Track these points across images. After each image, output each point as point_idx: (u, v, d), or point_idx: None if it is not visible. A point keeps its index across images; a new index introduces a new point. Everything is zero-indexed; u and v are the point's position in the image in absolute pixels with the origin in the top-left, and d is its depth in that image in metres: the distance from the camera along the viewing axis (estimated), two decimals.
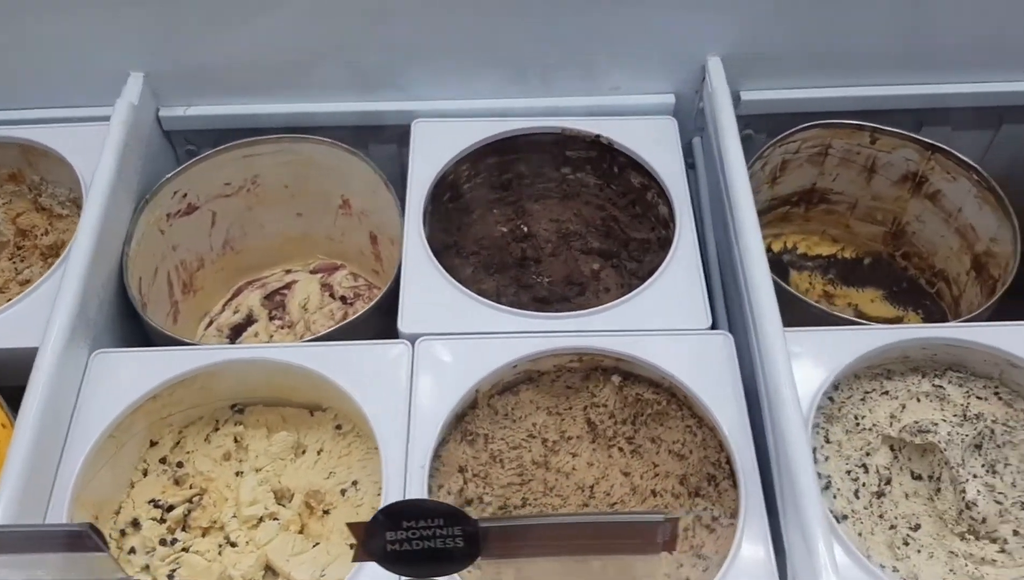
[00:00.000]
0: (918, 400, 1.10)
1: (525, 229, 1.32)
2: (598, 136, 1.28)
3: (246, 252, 1.46)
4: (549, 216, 1.33)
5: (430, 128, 1.30)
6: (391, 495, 0.96)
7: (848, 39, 1.28)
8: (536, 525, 0.58)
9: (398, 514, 0.56)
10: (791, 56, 1.30)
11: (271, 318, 1.45)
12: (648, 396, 1.09)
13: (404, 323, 1.09)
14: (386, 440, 1.00)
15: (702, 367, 1.05)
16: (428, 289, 1.12)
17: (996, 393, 1.10)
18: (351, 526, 0.57)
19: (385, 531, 0.56)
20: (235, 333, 1.44)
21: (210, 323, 1.46)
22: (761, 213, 1.41)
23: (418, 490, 0.96)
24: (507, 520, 0.64)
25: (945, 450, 1.03)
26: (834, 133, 1.33)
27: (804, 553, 0.86)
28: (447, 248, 1.29)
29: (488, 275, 1.26)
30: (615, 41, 1.28)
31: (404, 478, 0.97)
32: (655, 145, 1.27)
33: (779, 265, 1.48)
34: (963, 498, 1.01)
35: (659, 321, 1.09)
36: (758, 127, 1.36)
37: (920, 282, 1.43)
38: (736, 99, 1.32)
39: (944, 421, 1.07)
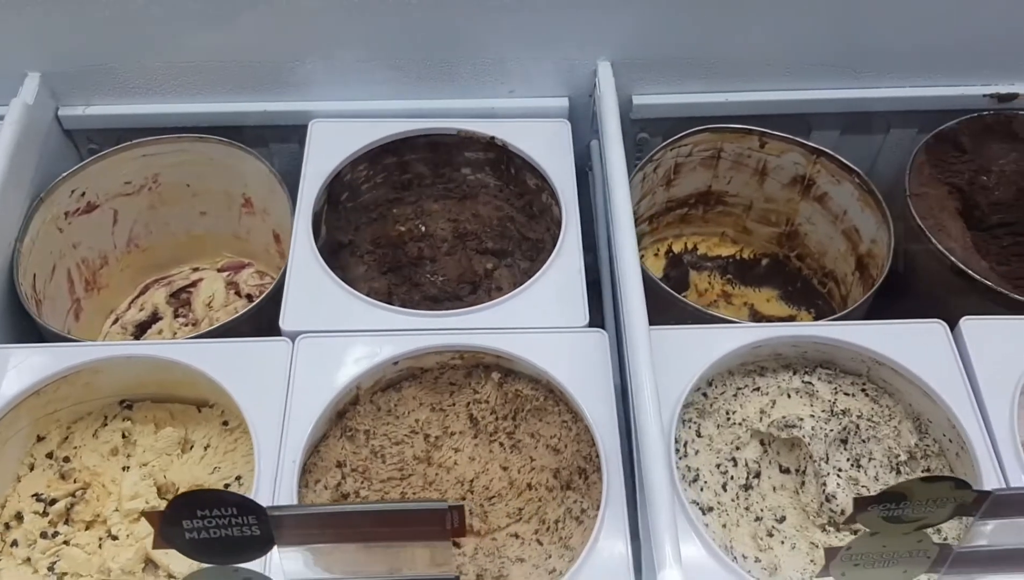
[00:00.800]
0: (788, 396, 1.13)
1: (423, 229, 1.34)
2: (492, 138, 1.30)
3: (152, 250, 1.47)
4: (448, 216, 1.35)
5: (327, 128, 1.32)
6: (262, 490, 0.98)
7: (738, 45, 1.32)
8: (326, 514, 0.61)
9: (192, 503, 0.57)
10: (683, 61, 1.33)
11: (176, 316, 1.46)
12: (527, 392, 1.12)
13: (286, 321, 1.11)
14: (261, 436, 1.02)
15: (577, 364, 1.08)
16: (312, 288, 1.14)
17: (863, 389, 1.13)
18: (147, 515, 0.59)
19: (181, 520, 0.57)
20: (140, 330, 1.44)
21: (116, 321, 1.46)
22: (659, 214, 1.45)
23: (288, 485, 0.98)
24: (297, 508, 0.66)
25: (809, 444, 1.07)
26: (724, 137, 1.36)
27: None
28: (342, 247, 1.30)
29: (381, 274, 1.28)
30: (510, 45, 1.30)
31: (276, 473, 0.99)
32: (548, 147, 1.30)
33: (680, 265, 1.52)
34: (824, 491, 1.04)
35: (539, 319, 1.12)
36: (654, 131, 1.39)
37: (813, 282, 1.47)
38: (629, 103, 1.36)
39: (811, 416, 1.10)
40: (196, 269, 1.52)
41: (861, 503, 0.62)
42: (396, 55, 1.32)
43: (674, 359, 1.08)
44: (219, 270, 1.51)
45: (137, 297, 1.49)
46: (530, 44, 1.30)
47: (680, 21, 1.29)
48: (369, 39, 1.30)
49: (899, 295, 1.28)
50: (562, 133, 1.32)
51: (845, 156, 1.40)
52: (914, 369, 1.07)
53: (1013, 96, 1.35)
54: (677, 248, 1.53)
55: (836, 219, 1.37)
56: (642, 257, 1.49)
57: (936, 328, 1.11)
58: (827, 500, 1.03)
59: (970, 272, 1.16)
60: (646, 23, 1.29)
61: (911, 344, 1.10)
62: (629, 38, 1.30)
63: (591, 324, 1.12)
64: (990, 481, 0.98)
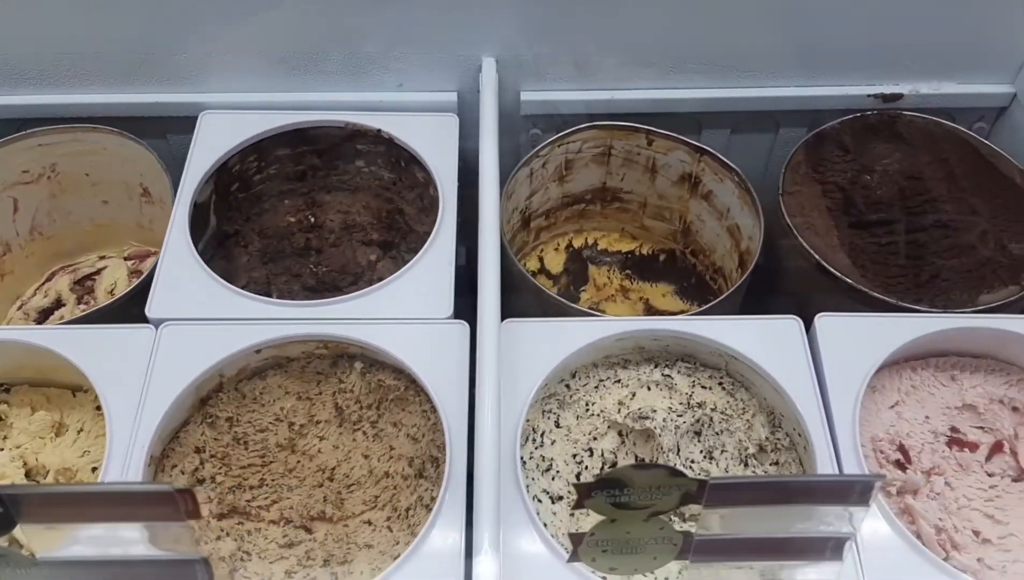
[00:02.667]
0: (648, 388, 1.15)
1: (312, 219, 1.36)
2: (379, 130, 1.32)
3: (57, 238, 1.49)
4: (339, 207, 1.37)
5: (217, 119, 1.34)
6: (111, 474, 1.00)
7: (621, 44, 1.33)
8: (57, 493, 0.63)
9: None
10: (569, 59, 1.35)
11: (79, 302, 1.48)
12: (390, 382, 1.14)
13: (152, 308, 1.13)
14: (116, 421, 1.04)
15: (437, 355, 1.10)
16: (183, 276, 1.16)
17: (720, 383, 1.15)
18: None
19: None
20: (43, 317, 1.47)
21: (20, 306, 1.49)
22: (556, 209, 1.47)
23: (135, 468, 1.00)
24: (28, 488, 0.68)
25: (660, 435, 1.09)
26: (613, 134, 1.38)
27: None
28: (228, 237, 1.32)
29: (262, 264, 1.30)
30: (398, 39, 1.32)
31: (126, 457, 1.01)
32: (434, 141, 1.31)
33: (579, 259, 1.54)
34: None
35: (404, 310, 1.14)
36: (546, 127, 1.40)
37: (706, 278, 1.49)
38: (519, 99, 1.37)
39: (669, 409, 1.12)
40: (102, 257, 1.54)
41: (583, 489, 0.64)
42: (287, 48, 1.34)
43: (533, 350, 1.10)
44: (125, 258, 1.53)
45: (43, 284, 1.51)
46: (417, 39, 1.32)
47: (564, 19, 1.31)
48: (261, 32, 1.32)
49: (772, 292, 1.30)
50: (449, 127, 1.33)
51: (739, 154, 1.42)
52: (765, 365, 1.09)
53: (898, 96, 1.37)
54: (577, 243, 1.55)
55: (721, 217, 1.39)
56: (541, 251, 1.52)
57: (791, 324, 1.13)
58: None
59: (831, 269, 1.18)
60: (531, 20, 1.30)
61: (766, 340, 1.11)
62: (514, 35, 1.31)
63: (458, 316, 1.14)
64: None
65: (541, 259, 1.52)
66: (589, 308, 1.50)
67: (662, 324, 1.14)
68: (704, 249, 1.47)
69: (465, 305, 1.14)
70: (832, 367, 1.09)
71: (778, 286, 1.31)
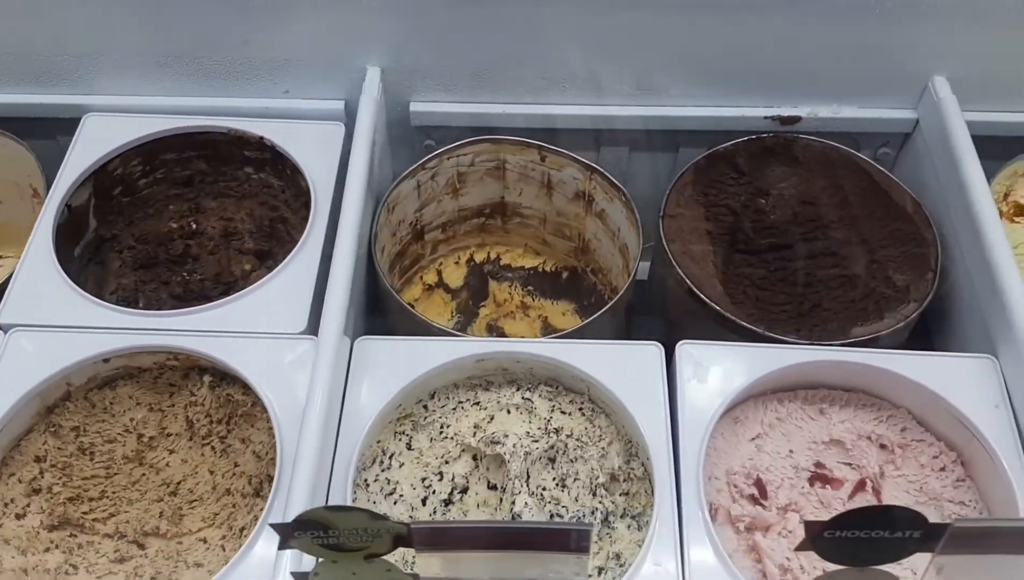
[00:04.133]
0: (508, 412, 1.12)
1: (194, 226, 1.34)
2: (262, 138, 1.30)
3: None
4: (222, 214, 1.35)
5: (100, 122, 1.32)
6: None
7: (513, 58, 1.31)
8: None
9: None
10: (458, 71, 1.32)
11: None
12: (239, 397, 1.11)
13: (3, 313, 1.11)
14: None
15: (284, 371, 1.07)
16: (40, 281, 1.14)
17: (580, 409, 1.12)
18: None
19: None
20: None
21: None
22: (453, 223, 1.45)
23: None
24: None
25: (509, 461, 1.06)
26: (504, 148, 1.35)
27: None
28: (105, 241, 1.30)
29: (133, 270, 1.28)
30: (287, 45, 1.30)
31: None
32: (318, 150, 1.29)
33: (480, 274, 1.51)
34: (512, 509, 1.03)
35: (257, 323, 1.11)
36: (440, 138, 1.38)
37: (604, 297, 1.46)
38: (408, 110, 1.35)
39: (527, 434, 1.09)
40: (2, 257, 1.52)
41: (283, 529, 0.61)
42: (175, 52, 1.32)
43: (386, 370, 1.08)
44: None
45: None
46: (305, 46, 1.30)
47: (456, 31, 1.28)
48: (148, 35, 1.31)
49: (653, 316, 1.27)
50: (334, 136, 1.31)
51: (640, 175, 1.39)
52: (622, 391, 1.06)
53: (795, 119, 1.34)
54: (479, 257, 1.52)
55: (614, 236, 1.36)
56: (440, 264, 1.50)
57: (652, 351, 1.10)
58: (513, 519, 1.03)
59: (701, 295, 1.15)
60: (420, 30, 1.28)
61: (626, 366, 1.09)
62: (402, 45, 1.29)
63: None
64: (664, 511, 0.97)
65: (439, 273, 1.50)
66: (488, 325, 1.48)
67: (521, 347, 1.11)
68: (602, 268, 1.44)
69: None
70: (687, 396, 1.06)
71: (658, 311, 1.28)
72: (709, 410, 1.04)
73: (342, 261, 1.09)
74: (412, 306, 1.46)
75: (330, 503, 0.97)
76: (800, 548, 0.66)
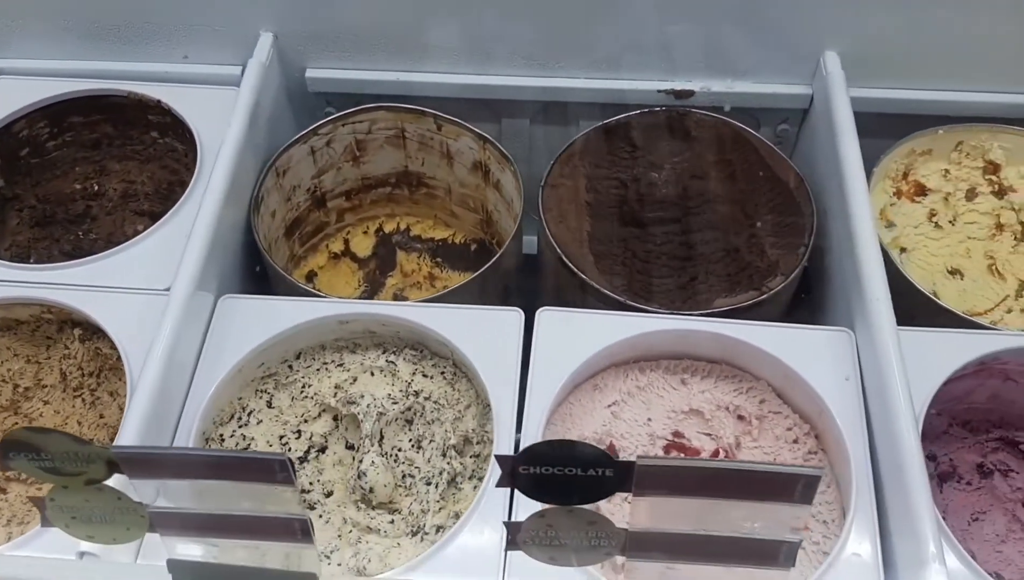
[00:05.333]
0: (372, 374, 1.14)
1: (96, 188, 1.36)
2: (159, 101, 1.32)
3: None
4: (125, 177, 1.37)
5: (5, 85, 1.35)
6: None
7: (408, 26, 1.31)
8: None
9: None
10: (352, 37, 1.33)
11: None
12: (107, 351, 1.14)
13: None
14: None
15: (145, 327, 1.08)
16: None
17: (443, 372, 1.13)
18: None
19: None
20: None
21: None
22: (357, 191, 1.46)
23: None
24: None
25: (362, 422, 1.07)
26: (402, 116, 1.36)
27: None
28: (7, 201, 1.33)
29: (29, 228, 1.31)
30: (184, 9, 1.32)
31: None
32: (212, 114, 1.30)
33: (388, 244, 1.52)
34: (359, 468, 1.05)
35: (131, 279, 1.13)
36: (341, 105, 1.39)
37: None
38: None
39: (387, 396, 1.11)
40: None
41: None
42: (78, 18, 1.34)
43: (246, 329, 1.09)
44: None
45: None
46: (202, 10, 1.31)
47: None
48: (52, 1, 1.33)
49: (537, 284, 1.28)
50: (229, 101, 1.32)
51: (542, 147, 1.40)
52: (474, 356, 1.07)
53: (689, 93, 1.33)
54: (388, 227, 1.53)
55: (508, 207, 1.36)
56: (348, 233, 1.51)
57: (513, 317, 1.11)
58: (359, 477, 1.04)
59: (569, 263, 1.16)
60: None
61: (484, 331, 1.09)
62: (295, 10, 1.30)
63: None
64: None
65: (347, 241, 1.51)
66: (394, 294, 1.49)
67: (384, 309, 1.12)
68: (504, 240, 1.44)
69: None
70: (538, 361, 1.06)
71: (541, 280, 1.28)
72: (558, 375, 1.05)
73: (204, 219, 1.11)
74: (316, 273, 1.48)
75: None
76: (499, 485, 0.67)
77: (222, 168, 1.15)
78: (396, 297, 1.49)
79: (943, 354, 1.04)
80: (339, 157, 1.40)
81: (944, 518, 0.93)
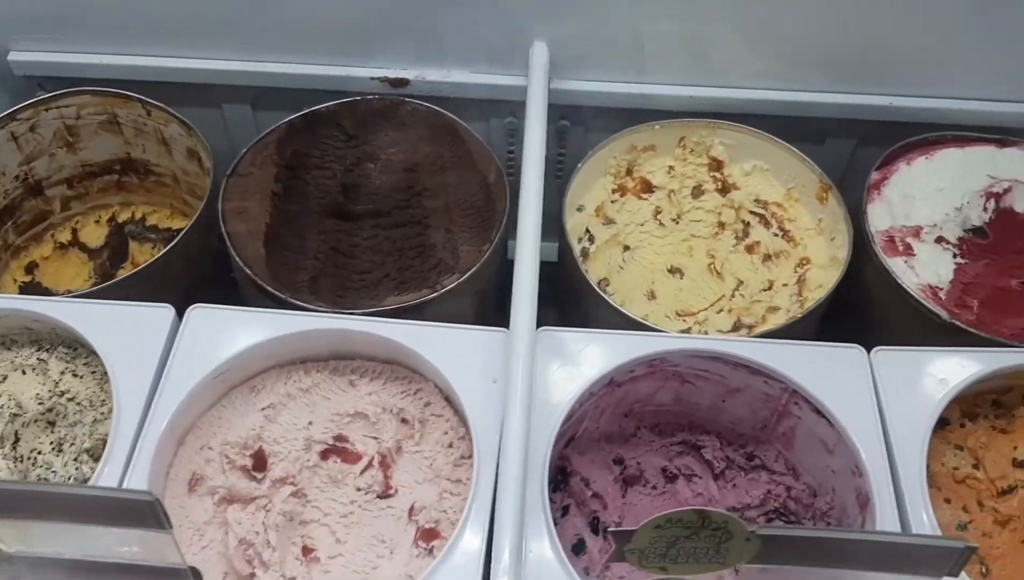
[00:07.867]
0: (23, 373, 1.08)
1: None
2: None
3: None
4: None
5: None
6: None
7: (123, 8, 1.25)
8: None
9: None
10: (70, 17, 1.27)
11: None
12: None
13: None
14: None
15: None
16: None
17: (94, 372, 1.08)
18: None
19: None
20: None
21: None
22: (80, 179, 1.40)
23: None
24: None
25: None
26: (110, 101, 1.30)
27: None
28: None
29: None
30: None
31: None
32: None
33: (120, 234, 1.46)
34: None
35: None
36: (55, 89, 1.32)
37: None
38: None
39: (36, 395, 1.05)
40: None
41: None
42: None
43: None
44: None
45: None
46: None
47: None
48: None
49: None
50: None
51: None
52: (111, 354, 1.01)
53: (404, 81, 1.29)
54: (122, 217, 1.46)
55: None
56: (76, 222, 1.44)
57: (163, 313, 1.05)
58: None
59: (236, 256, 1.11)
60: None
61: (125, 328, 1.03)
62: None
63: None
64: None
65: (75, 231, 1.44)
66: None
67: (35, 306, 1.06)
68: None
69: None
70: (179, 360, 1.01)
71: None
72: (195, 374, 1.00)
73: None
74: (38, 264, 1.41)
75: None
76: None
77: None
78: None
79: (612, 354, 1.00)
80: (49, 143, 1.33)
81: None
